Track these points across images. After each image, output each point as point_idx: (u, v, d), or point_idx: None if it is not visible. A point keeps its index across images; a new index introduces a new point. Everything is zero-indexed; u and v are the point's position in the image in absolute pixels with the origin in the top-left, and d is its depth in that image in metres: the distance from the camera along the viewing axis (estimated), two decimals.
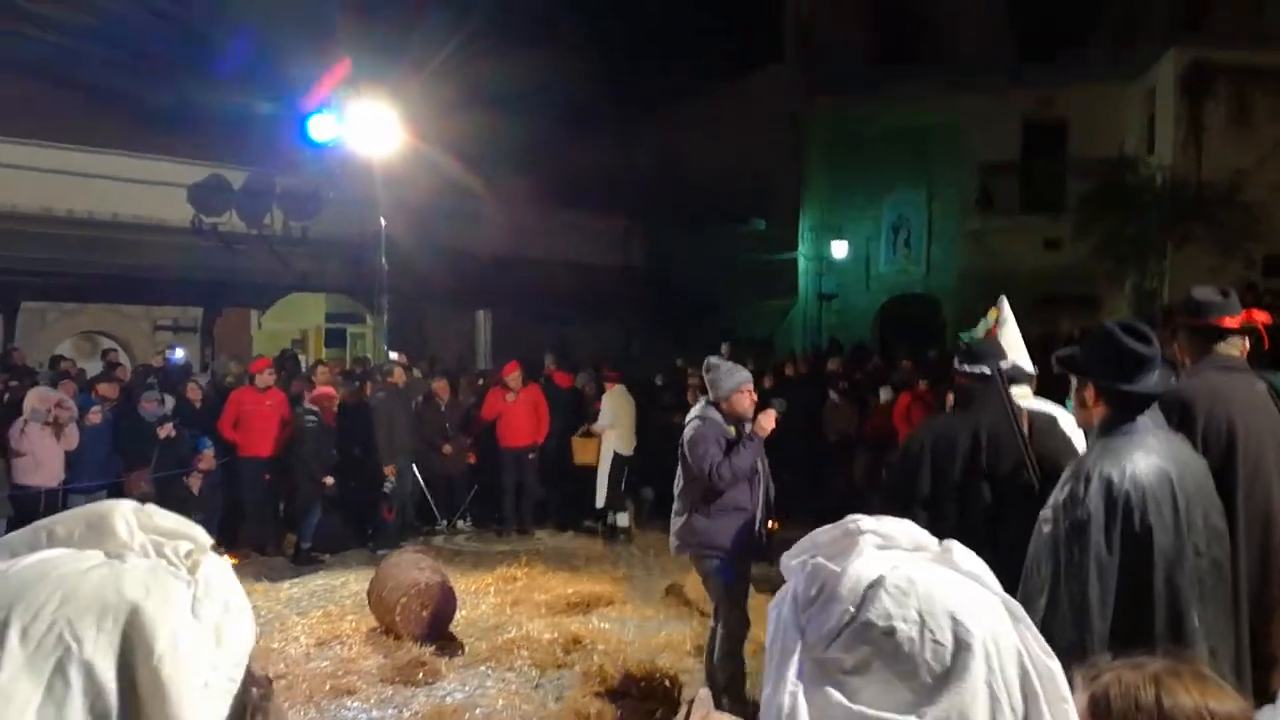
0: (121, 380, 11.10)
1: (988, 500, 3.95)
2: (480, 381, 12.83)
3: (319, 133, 12.50)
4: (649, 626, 7.22)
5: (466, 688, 6.11)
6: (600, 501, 10.77)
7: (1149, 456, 2.73)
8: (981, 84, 18.94)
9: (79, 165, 13.91)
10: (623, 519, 10.72)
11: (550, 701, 5.83)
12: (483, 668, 6.42)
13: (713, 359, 5.46)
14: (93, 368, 12.42)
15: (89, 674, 0.65)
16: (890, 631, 0.81)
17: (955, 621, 0.81)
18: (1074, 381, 3.08)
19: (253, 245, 15.19)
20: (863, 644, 0.82)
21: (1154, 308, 16.03)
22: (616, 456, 10.69)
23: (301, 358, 16.41)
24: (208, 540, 0.77)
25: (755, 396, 5.49)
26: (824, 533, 0.91)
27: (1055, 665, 0.84)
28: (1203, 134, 17.07)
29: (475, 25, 17.89)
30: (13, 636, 0.64)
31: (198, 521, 0.79)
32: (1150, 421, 2.81)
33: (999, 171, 19.83)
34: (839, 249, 20.90)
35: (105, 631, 0.66)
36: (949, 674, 0.80)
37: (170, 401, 10.42)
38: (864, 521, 0.90)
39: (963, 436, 4.03)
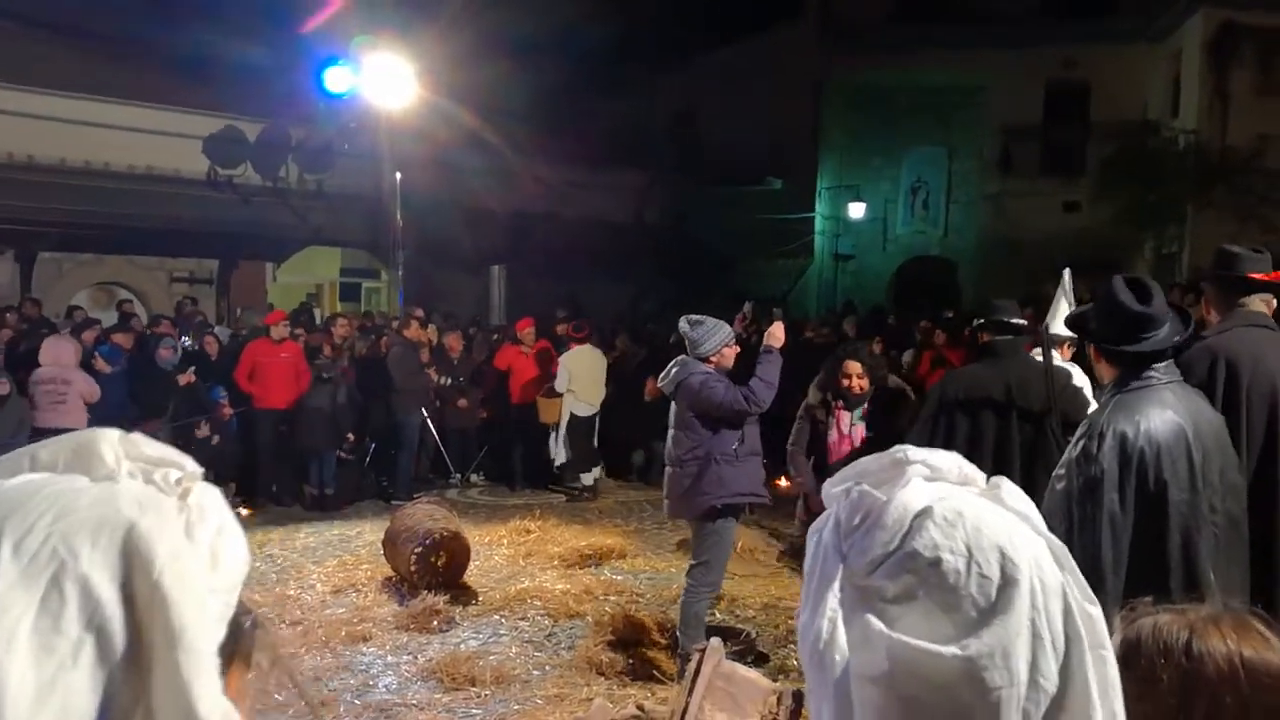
0: (136, 330, 11.19)
1: (1020, 449, 4.24)
2: (495, 337, 12.87)
3: (334, 84, 12.44)
4: (660, 579, 7.30)
5: (480, 636, 6.20)
6: (558, 460, 10.63)
7: (1164, 411, 2.73)
8: (1003, 44, 18.67)
9: (95, 116, 13.86)
10: (587, 478, 10.58)
11: (563, 650, 5.91)
12: (496, 617, 6.51)
13: (693, 316, 5.43)
14: (108, 318, 12.49)
15: (85, 587, 0.64)
16: (936, 562, 0.81)
17: (1003, 556, 0.81)
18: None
19: (268, 198, 15.17)
20: (906, 573, 0.81)
21: (1174, 273, 15.91)
22: (576, 418, 10.51)
23: (316, 311, 16.48)
24: (197, 468, 0.76)
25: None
26: (871, 461, 0.90)
27: (1096, 611, 0.84)
28: (1228, 98, 16.82)
29: None
30: (5, 550, 0.64)
31: (214, 470, 0.78)
32: (1164, 375, 2.81)
33: (1019, 134, 19.61)
34: (856, 210, 20.76)
35: (101, 547, 0.66)
36: (994, 608, 0.79)
37: (182, 344, 10.52)
38: (912, 451, 0.89)
39: (996, 387, 4.38)
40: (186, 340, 10.91)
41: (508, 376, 11.06)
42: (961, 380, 4.76)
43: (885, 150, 20.94)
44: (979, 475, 0.91)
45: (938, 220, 21.08)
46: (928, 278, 19.91)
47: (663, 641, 5.81)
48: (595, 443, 10.78)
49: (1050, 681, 0.80)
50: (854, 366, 5.40)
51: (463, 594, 6.83)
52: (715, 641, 3.91)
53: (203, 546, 0.71)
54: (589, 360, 10.63)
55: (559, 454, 10.63)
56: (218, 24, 14.58)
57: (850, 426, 5.43)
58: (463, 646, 5.98)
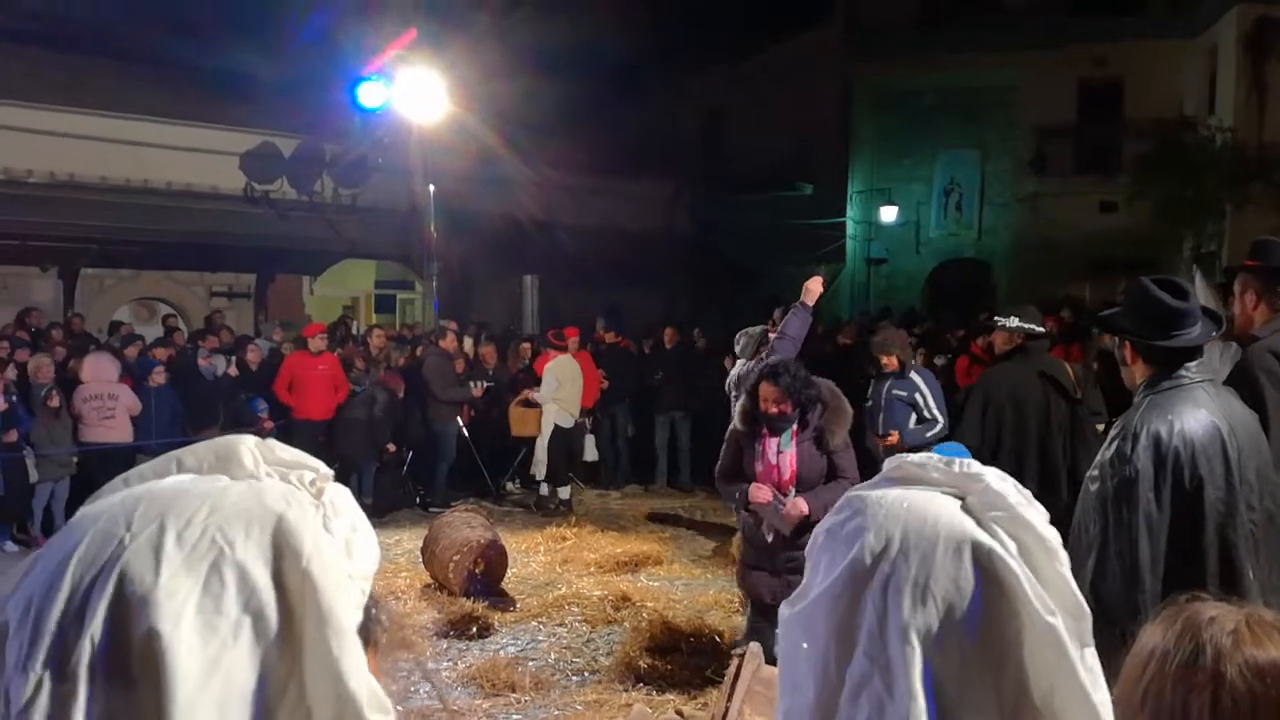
0: (178, 344, 11.41)
1: (1059, 431, 4.94)
2: (528, 346, 12.95)
3: (368, 99, 12.61)
4: (696, 585, 7.33)
5: (519, 642, 6.26)
6: (540, 474, 10.43)
7: (1198, 410, 2.72)
8: (1034, 44, 18.52)
9: (135, 134, 14.16)
10: (564, 492, 10.38)
11: (601, 656, 5.96)
12: (534, 623, 6.57)
13: (749, 329, 5.95)
14: (149, 332, 12.73)
15: (242, 573, 0.71)
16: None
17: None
18: (1115, 341, 3.08)
19: (304, 212, 15.39)
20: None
21: (1213, 271, 15.70)
22: (559, 429, 10.34)
23: (352, 324, 16.67)
24: (328, 470, 0.83)
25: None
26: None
27: (1056, 622, 0.88)
28: (1265, 93, 16.58)
29: None
30: (169, 540, 0.71)
31: None
32: (1197, 374, 2.80)
33: (1053, 133, 19.43)
34: (888, 213, 20.66)
35: (253, 538, 0.73)
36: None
37: (221, 361, 10.72)
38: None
39: (1032, 381, 5.16)
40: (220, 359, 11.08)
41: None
42: (1001, 378, 5.52)
43: (917, 153, 20.84)
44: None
45: (971, 222, 20.94)
46: (962, 280, 19.79)
47: (701, 647, 5.84)
48: (569, 458, 10.57)
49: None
50: (767, 390, 4.78)
51: (501, 600, 6.89)
52: (755, 646, 3.94)
53: (339, 539, 0.78)
54: (572, 369, 10.43)
55: (539, 467, 10.43)
56: (253, 43, 14.84)
57: (778, 453, 4.86)
58: (502, 652, 6.04)
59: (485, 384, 11.08)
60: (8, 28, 14.50)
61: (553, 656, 5.99)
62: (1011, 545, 0.87)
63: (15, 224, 13.03)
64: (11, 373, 9.12)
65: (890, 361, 6.68)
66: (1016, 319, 5.61)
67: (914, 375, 6.68)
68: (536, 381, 11.08)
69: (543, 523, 9.39)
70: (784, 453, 4.84)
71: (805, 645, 0.88)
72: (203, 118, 14.56)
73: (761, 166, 20.90)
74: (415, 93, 12.49)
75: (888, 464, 1.00)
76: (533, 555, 8.27)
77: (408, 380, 10.77)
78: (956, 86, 19.83)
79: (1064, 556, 0.91)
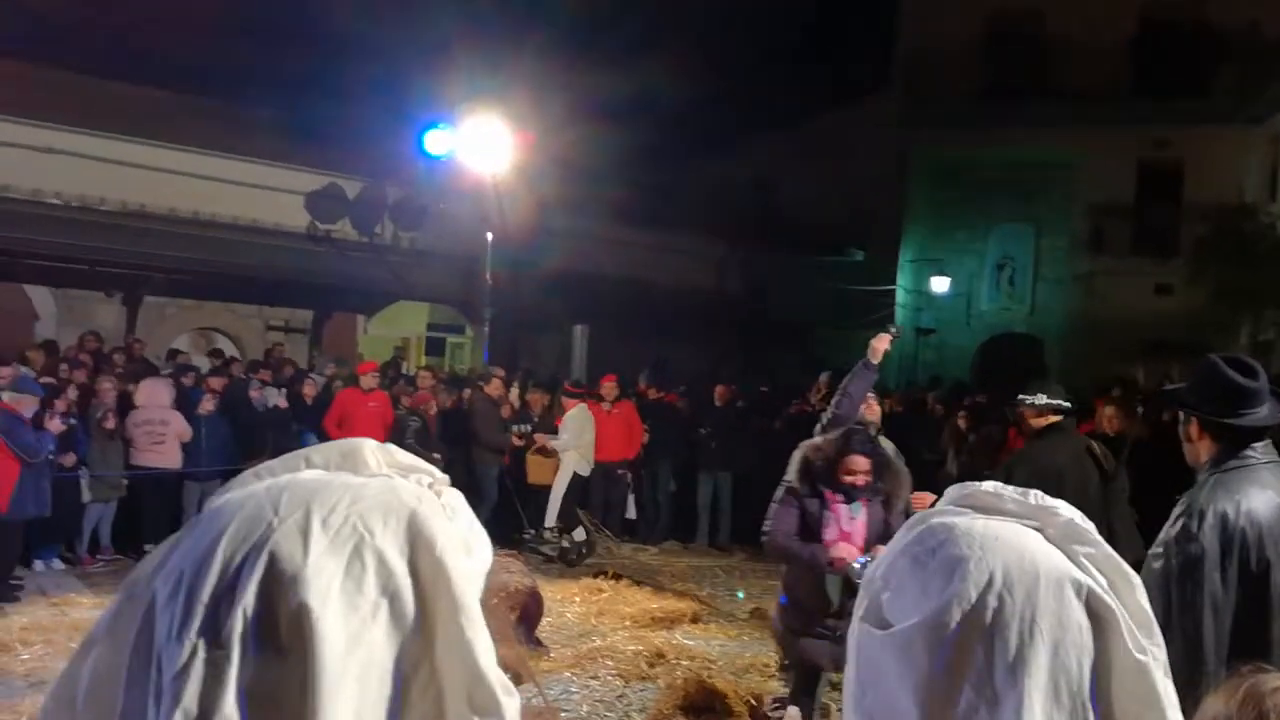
0: (232, 375, 11.63)
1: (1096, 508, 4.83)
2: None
3: (434, 146, 12.93)
4: (733, 647, 7.23)
5: (552, 692, 6.20)
6: (550, 521, 10.51)
7: (1264, 491, 2.68)
8: (1094, 122, 18.51)
9: (206, 169, 14.62)
10: (579, 534, 10.49)
11: (634, 713, 5.89)
12: (567, 674, 6.52)
13: None
14: (207, 362, 13.00)
15: (381, 559, 0.77)
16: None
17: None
18: (1180, 417, 3.04)
19: (363, 253, 15.72)
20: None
21: (1270, 361, 15.41)
22: (578, 477, 10.47)
23: (402, 364, 16.89)
24: (444, 475, 0.89)
25: (876, 406, 5.82)
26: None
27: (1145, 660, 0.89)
28: None
29: (582, 42, 18.30)
30: (315, 524, 0.77)
31: None
32: (1263, 455, 2.77)
33: (1110, 212, 19.33)
34: (939, 284, 20.59)
35: (391, 528, 0.79)
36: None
37: (273, 393, 10.91)
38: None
39: (1069, 459, 5.16)
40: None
41: None
42: (1037, 454, 5.47)
43: (971, 225, 20.82)
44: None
45: (1024, 298, 20.81)
46: (1013, 355, 19.61)
47: (737, 710, 5.75)
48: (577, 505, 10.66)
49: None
50: (859, 463, 4.74)
51: (535, 649, 6.85)
52: (794, 711, 3.89)
53: (460, 537, 0.83)
54: (586, 419, 10.58)
55: (552, 515, 10.53)
56: (324, 86, 15.32)
57: (851, 519, 4.79)
58: (533, 702, 5.98)
59: (525, 428, 11.13)
60: (89, 62, 15.11)
61: (585, 709, 5.93)
62: (1102, 580, 0.89)
63: (85, 249, 13.44)
64: (72, 393, 9.34)
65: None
66: (1044, 395, 5.59)
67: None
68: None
69: (579, 573, 9.35)
70: (856, 519, 4.77)
71: (902, 672, 0.88)
72: (272, 156, 15.00)
73: (814, 230, 21.00)
74: (479, 141, 12.78)
75: (954, 491, 1.01)
76: (568, 605, 8.23)
77: (451, 422, 10.86)
78: (1014, 160, 19.85)
79: (1143, 589, 0.92)
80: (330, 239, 15.59)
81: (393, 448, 0.89)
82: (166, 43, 17.69)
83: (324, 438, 10.16)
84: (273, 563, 0.74)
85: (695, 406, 12.06)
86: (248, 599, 0.73)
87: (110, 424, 9.22)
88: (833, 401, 5.42)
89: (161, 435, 9.41)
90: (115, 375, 10.42)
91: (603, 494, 11.17)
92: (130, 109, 14.51)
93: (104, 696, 0.75)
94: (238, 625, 0.72)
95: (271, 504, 0.78)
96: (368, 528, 0.77)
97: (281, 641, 0.72)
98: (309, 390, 11.00)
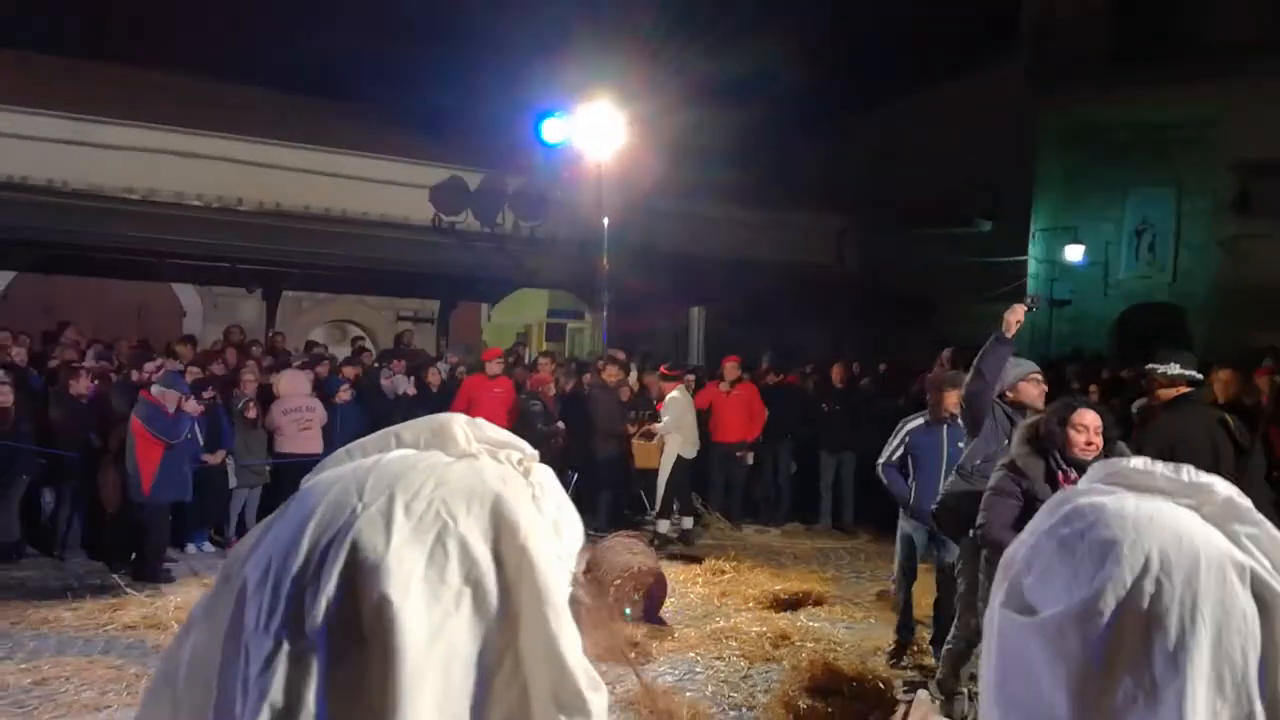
0: (365, 364, 12.06)
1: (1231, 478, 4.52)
2: (691, 376, 13.02)
3: (551, 135, 13.10)
4: (859, 629, 7.15)
5: (676, 672, 6.26)
6: (657, 506, 10.41)
7: None
8: (1237, 74, 17.35)
9: (336, 167, 15.21)
10: (687, 522, 10.38)
11: (759, 693, 5.88)
12: (692, 654, 6.55)
13: None
14: (340, 353, 13.53)
15: (463, 545, 0.75)
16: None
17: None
18: None
19: (486, 243, 16.08)
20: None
21: None
22: (682, 460, 10.30)
23: (524, 350, 17.22)
24: (534, 451, 0.86)
25: (1045, 386, 5.32)
26: None
27: None
28: None
29: (694, 23, 18.19)
30: (398, 511, 0.75)
31: None
32: None
33: (1259, 171, 18.11)
34: (1074, 253, 19.72)
35: (474, 513, 0.76)
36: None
37: (402, 381, 11.28)
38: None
39: (1200, 429, 5.03)
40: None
41: (708, 415, 11.16)
42: (1168, 426, 5.34)
43: (1105, 190, 19.86)
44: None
45: (1165, 264, 19.75)
46: (1154, 326, 18.65)
47: (863, 692, 5.68)
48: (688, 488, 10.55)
49: None
50: (1089, 418, 4.16)
51: (659, 629, 6.92)
52: (923, 694, 3.82)
53: (547, 518, 0.80)
54: (686, 402, 10.44)
55: (658, 498, 10.46)
56: (446, 82, 15.71)
57: None
58: (659, 681, 6.05)
59: (644, 414, 11.18)
60: (226, 70, 15.87)
61: (710, 689, 5.95)
62: (1266, 562, 0.82)
63: (227, 248, 14.15)
64: (216, 384, 9.88)
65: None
66: (1177, 365, 5.38)
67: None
68: (699, 414, 11.15)
69: (701, 554, 9.39)
70: None
71: (1051, 660, 0.85)
72: (398, 152, 15.50)
73: (937, 201, 20.39)
74: (595, 128, 12.88)
75: (1099, 468, 0.96)
76: (691, 586, 8.28)
77: (572, 406, 11.01)
78: (1149, 120, 18.82)
79: None
80: (454, 230, 16.01)
81: (483, 423, 0.86)
82: (297, 49, 18.44)
83: None
84: (355, 551, 0.72)
85: (816, 386, 11.91)
86: (330, 589, 0.71)
87: (252, 413, 9.71)
88: (966, 379, 5.20)
89: (309, 422, 9.88)
90: (259, 367, 10.96)
91: (723, 475, 11.16)
92: (265, 112, 15.21)
93: (201, 678, 0.75)
94: (320, 616, 0.70)
95: (356, 488, 0.76)
96: (451, 514, 0.74)
97: (363, 632, 0.70)
98: (434, 378, 11.32)
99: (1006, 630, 0.88)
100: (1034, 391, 5.24)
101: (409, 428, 0.86)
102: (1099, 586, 0.83)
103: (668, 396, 10.47)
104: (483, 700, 0.73)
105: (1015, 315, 5.08)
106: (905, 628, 6.54)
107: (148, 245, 13.46)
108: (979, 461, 5.09)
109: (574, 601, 0.82)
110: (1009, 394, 5.19)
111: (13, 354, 9.91)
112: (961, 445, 5.99)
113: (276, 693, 0.70)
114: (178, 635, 0.80)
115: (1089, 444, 4.10)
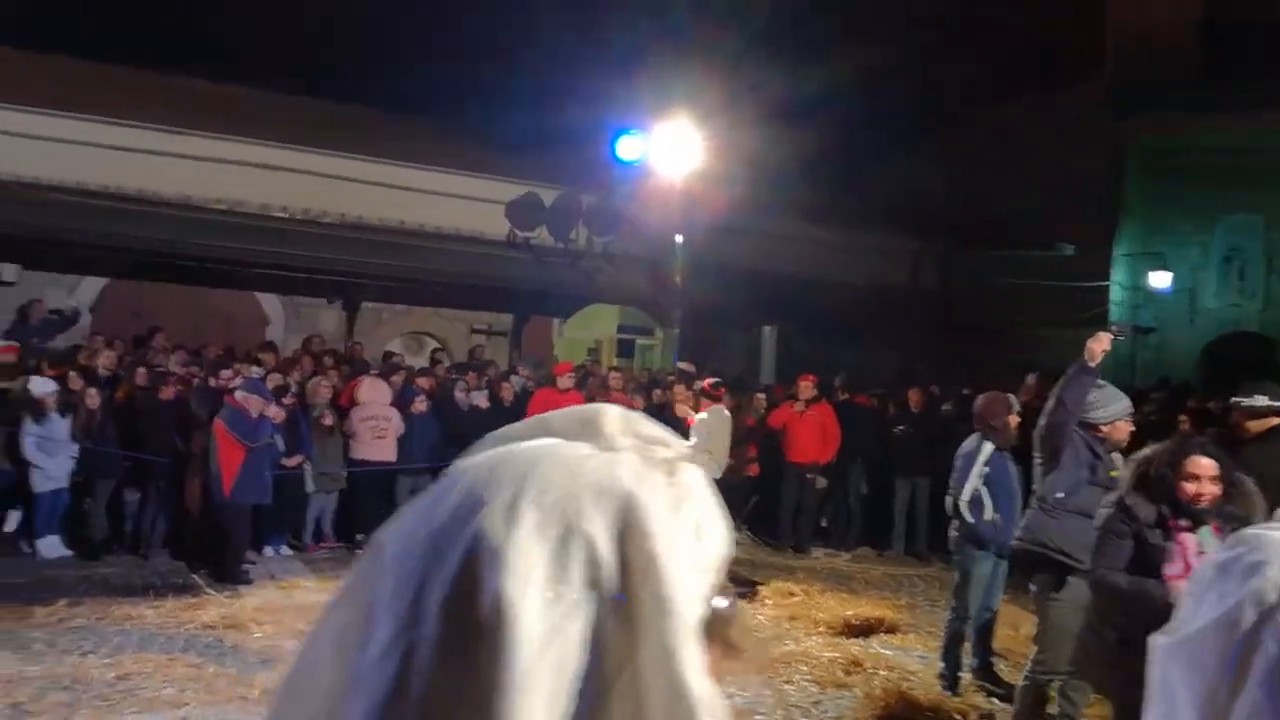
0: (439, 376, 12.23)
1: None
2: (762, 395, 12.93)
3: (627, 152, 13.18)
4: (934, 659, 6.98)
5: (746, 693, 6.18)
6: None
7: None
8: None
9: (416, 181, 15.50)
10: None
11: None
12: (761, 677, 6.48)
13: (1099, 380, 5.07)
14: (416, 364, 13.73)
15: (589, 546, 0.70)
16: None
17: None
18: None
19: (560, 259, 16.22)
20: None
21: None
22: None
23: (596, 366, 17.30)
24: (686, 450, 0.81)
25: (1126, 426, 5.12)
26: None
27: None
28: None
29: (775, 38, 18.16)
30: (525, 503, 0.71)
31: None
32: None
33: None
34: (1159, 279, 19.16)
35: (603, 512, 0.71)
36: None
37: (475, 394, 11.40)
38: None
39: None
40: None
41: (781, 434, 11.06)
42: (1256, 461, 4.79)
43: (1193, 216, 19.26)
44: None
45: (1255, 292, 19.08)
46: (1243, 355, 18.00)
47: None
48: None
49: None
50: (1203, 465, 3.85)
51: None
52: None
53: (688, 523, 0.75)
54: (721, 422, 10.02)
55: None
56: (524, 99, 15.91)
57: (1199, 555, 3.80)
58: (728, 702, 5.98)
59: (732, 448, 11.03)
60: (309, 85, 16.29)
61: (779, 714, 5.87)
62: None
63: (309, 259, 14.48)
64: (293, 390, 10.10)
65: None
66: (1264, 397, 5.22)
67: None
68: (771, 434, 11.06)
69: (768, 576, 9.29)
70: (1206, 554, 3.72)
71: (1188, 678, 0.82)
72: (475, 168, 15.73)
73: (1016, 224, 19.99)
74: (669, 145, 12.92)
75: None
76: (759, 608, 8.19)
77: None
78: (1239, 145, 18.23)
79: None
80: (529, 245, 16.18)
81: (639, 416, 0.82)
82: (380, 66, 18.86)
83: None
84: (476, 540, 0.69)
85: (890, 408, 11.74)
86: (449, 577, 0.68)
87: (328, 421, 9.90)
88: (1046, 408, 5.03)
89: (384, 430, 10.05)
90: (333, 374, 11.18)
91: (794, 497, 11.05)
92: (348, 129, 15.55)
93: (345, 655, 0.73)
94: (436, 603, 0.68)
95: (490, 476, 0.73)
96: (579, 511, 0.70)
97: (480, 626, 0.68)
98: (507, 392, 11.42)
99: (1159, 651, 0.86)
100: (1127, 431, 5.07)
101: (560, 416, 0.82)
102: (1239, 599, 0.81)
103: (698, 417, 10.07)
104: (596, 712, 0.69)
105: (1100, 344, 4.90)
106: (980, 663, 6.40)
107: (234, 255, 13.84)
108: (1060, 494, 4.92)
109: (713, 617, 0.77)
110: (1103, 428, 4.97)
111: (101, 360, 10.24)
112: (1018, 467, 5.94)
113: (389, 681, 0.68)
114: (327, 609, 0.79)
115: (1200, 494, 3.84)
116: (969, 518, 6.12)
